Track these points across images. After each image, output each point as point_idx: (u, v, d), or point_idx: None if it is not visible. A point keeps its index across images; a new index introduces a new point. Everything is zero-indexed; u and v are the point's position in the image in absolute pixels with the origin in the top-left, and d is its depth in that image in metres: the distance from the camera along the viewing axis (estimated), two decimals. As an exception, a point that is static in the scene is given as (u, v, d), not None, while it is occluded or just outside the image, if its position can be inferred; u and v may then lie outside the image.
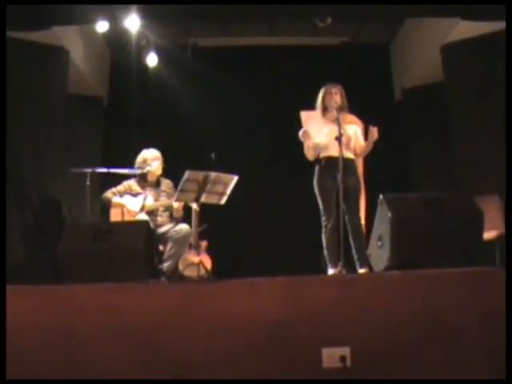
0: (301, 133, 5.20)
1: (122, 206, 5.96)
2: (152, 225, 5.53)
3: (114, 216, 5.99)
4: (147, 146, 6.28)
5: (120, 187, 6.11)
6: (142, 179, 6.16)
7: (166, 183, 6.18)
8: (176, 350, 3.61)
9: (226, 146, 7.24)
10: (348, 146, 5.21)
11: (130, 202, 5.99)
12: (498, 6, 5.13)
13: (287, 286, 3.76)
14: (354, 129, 5.29)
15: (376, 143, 5.19)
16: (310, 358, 3.55)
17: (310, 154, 5.29)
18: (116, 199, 6.02)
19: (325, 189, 5.17)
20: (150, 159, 6.13)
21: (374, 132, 5.11)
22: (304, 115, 5.22)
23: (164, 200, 6.04)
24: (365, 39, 8.59)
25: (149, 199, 6.01)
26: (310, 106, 5.40)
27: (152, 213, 5.97)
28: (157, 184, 6.17)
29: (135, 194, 6.07)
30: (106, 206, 6.09)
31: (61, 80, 7.10)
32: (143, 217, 5.86)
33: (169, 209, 6.00)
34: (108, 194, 6.08)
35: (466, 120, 6.95)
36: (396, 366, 3.56)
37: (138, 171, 6.11)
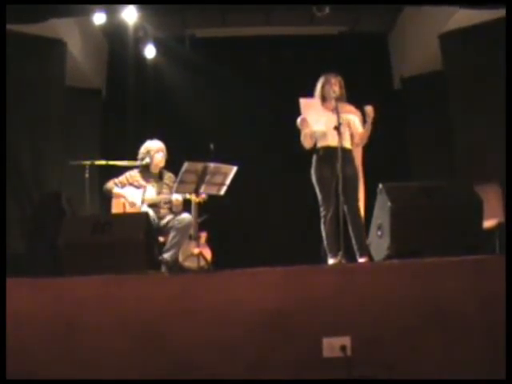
0: (299, 120, 5.17)
1: (122, 197, 5.93)
2: (155, 216, 5.53)
3: (116, 208, 5.94)
4: (150, 137, 6.21)
5: (122, 178, 6.04)
6: (145, 171, 6.09)
7: (169, 176, 6.09)
8: (177, 341, 3.62)
9: (224, 137, 7.22)
10: (346, 136, 5.20)
11: (130, 194, 5.94)
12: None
13: (287, 276, 3.76)
14: (352, 118, 5.27)
15: (374, 125, 5.14)
16: (310, 348, 3.56)
17: (306, 143, 5.25)
18: (117, 190, 5.97)
19: (323, 179, 5.15)
20: (154, 150, 6.04)
21: (370, 110, 5.07)
22: (303, 102, 5.15)
23: (165, 195, 5.98)
24: (363, 28, 8.55)
25: (150, 191, 5.96)
26: (308, 96, 5.37)
27: (154, 205, 5.94)
28: (160, 176, 6.11)
29: (138, 186, 6.00)
30: (107, 196, 6.05)
31: (58, 72, 7.08)
32: (146, 209, 5.83)
33: (170, 202, 5.97)
34: (110, 184, 6.00)
35: (465, 108, 6.94)
36: (396, 355, 3.57)
37: (140, 162, 6.07)
